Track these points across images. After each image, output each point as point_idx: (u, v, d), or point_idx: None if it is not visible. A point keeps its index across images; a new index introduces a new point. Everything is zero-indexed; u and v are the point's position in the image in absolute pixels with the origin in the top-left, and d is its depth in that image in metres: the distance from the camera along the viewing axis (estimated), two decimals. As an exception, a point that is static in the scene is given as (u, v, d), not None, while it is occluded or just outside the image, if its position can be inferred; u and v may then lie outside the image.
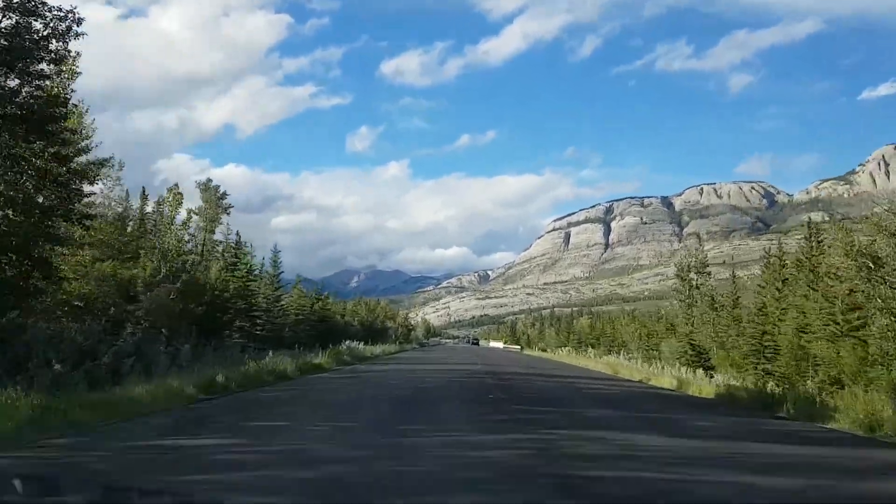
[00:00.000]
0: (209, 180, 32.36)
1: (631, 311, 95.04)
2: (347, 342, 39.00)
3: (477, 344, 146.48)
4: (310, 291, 47.14)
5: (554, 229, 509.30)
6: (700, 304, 30.39)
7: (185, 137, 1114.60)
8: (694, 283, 31.87)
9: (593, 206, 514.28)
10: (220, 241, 32.28)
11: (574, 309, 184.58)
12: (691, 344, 26.18)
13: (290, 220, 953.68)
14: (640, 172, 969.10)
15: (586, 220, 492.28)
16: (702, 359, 25.15)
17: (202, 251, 29.68)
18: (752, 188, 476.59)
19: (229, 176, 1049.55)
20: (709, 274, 31.90)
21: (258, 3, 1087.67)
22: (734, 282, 25.35)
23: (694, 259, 32.89)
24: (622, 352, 40.83)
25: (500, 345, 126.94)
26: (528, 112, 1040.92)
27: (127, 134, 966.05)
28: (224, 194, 32.34)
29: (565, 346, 58.96)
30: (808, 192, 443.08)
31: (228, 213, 32.30)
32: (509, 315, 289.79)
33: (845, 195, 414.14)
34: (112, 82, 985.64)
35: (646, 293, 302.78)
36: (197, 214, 30.13)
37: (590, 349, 51.21)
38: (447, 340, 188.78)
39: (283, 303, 36.63)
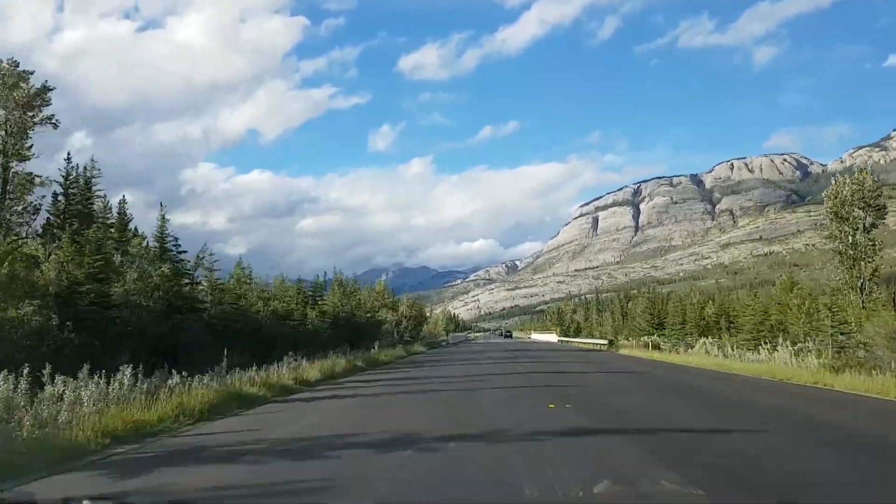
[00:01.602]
0: (14, 62, 16.35)
1: (667, 293, 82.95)
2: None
3: (510, 337, 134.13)
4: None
5: (581, 215, 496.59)
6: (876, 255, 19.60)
7: (210, 145, 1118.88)
8: (863, 223, 20.09)
9: (620, 189, 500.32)
10: (43, 178, 16.32)
11: (612, 293, 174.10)
12: None
13: (317, 223, 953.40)
14: (667, 153, 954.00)
15: (614, 204, 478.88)
16: None
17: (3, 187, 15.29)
18: (784, 160, 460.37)
19: (255, 181, 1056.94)
20: (884, 209, 20.55)
21: (274, 8, 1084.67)
22: None
23: (859, 187, 20.57)
24: (782, 340, 23.73)
25: (552, 338, 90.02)
26: (550, 99, 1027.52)
27: (151, 146, 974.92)
28: (45, 88, 16.34)
29: (652, 335, 45.46)
30: (842, 161, 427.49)
31: (56, 126, 16.85)
32: (540, 304, 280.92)
33: (881, 161, 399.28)
34: (134, 96, 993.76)
35: (681, 274, 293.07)
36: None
37: (703, 339, 34.60)
38: (477, 335, 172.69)
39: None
